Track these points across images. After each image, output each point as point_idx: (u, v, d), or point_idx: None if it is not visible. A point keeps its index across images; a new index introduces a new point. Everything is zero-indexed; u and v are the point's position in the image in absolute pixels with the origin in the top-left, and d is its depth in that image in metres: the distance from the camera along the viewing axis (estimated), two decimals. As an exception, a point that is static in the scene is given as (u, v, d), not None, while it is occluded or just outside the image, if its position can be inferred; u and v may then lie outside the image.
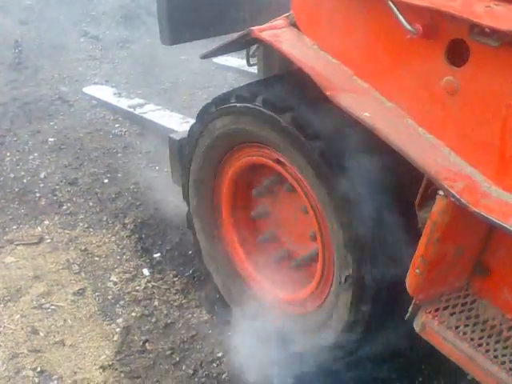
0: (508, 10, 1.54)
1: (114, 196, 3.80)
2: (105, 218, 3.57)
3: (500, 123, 1.61)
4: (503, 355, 1.79)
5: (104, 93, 5.34)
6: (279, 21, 2.34)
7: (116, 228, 3.47)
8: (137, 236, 3.39)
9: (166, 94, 5.40)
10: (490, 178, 1.66)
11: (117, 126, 4.79)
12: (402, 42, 1.83)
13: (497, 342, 1.84)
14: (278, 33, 2.27)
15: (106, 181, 3.99)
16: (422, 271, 1.82)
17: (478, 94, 1.65)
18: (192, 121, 4.89)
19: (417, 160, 1.74)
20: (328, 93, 1.97)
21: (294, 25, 2.30)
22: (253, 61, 2.71)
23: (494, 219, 1.54)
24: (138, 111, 4.94)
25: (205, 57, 2.60)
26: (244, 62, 2.77)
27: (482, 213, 1.56)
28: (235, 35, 2.37)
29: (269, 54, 2.76)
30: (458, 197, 1.62)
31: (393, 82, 1.92)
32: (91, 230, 3.47)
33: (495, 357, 1.79)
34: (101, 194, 3.83)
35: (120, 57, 6.34)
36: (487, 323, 1.89)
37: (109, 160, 4.24)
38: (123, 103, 5.10)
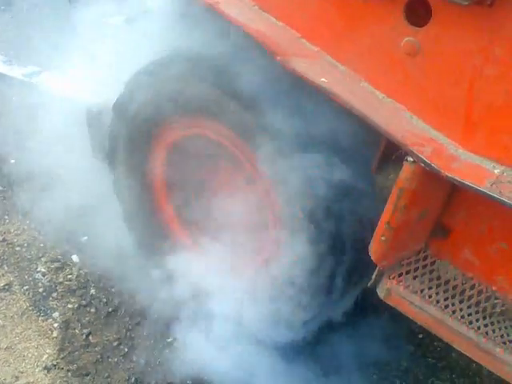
0: (469, -33, 1.50)
1: (24, 178, 3.47)
2: (19, 203, 3.27)
3: (467, 85, 1.58)
4: (469, 314, 1.83)
5: (-8, 62, 4.86)
6: (211, -21, 2.17)
7: (34, 213, 3.19)
8: (58, 219, 3.13)
9: (61, 60, 4.95)
10: (456, 140, 1.65)
11: (14, 98, 4.37)
12: (354, 2, 1.75)
13: (461, 301, 1.86)
14: (213, -8, 2.10)
15: (12, 161, 3.64)
16: (387, 238, 1.80)
17: (443, 55, 1.60)
18: (101, 90, 4.61)
19: (380, 125, 1.69)
20: (279, 58, 1.85)
21: (227, -17, 2.14)
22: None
23: (469, 183, 1.53)
24: (34, 80, 4.55)
25: None
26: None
27: (456, 177, 1.55)
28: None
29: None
30: (428, 162, 1.59)
31: (346, 44, 1.83)
32: (6, 217, 3.17)
33: (462, 317, 1.82)
34: (9, 176, 3.50)
35: (1, 22, 5.76)
36: (449, 284, 1.91)
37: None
38: (17, 72, 4.66)
